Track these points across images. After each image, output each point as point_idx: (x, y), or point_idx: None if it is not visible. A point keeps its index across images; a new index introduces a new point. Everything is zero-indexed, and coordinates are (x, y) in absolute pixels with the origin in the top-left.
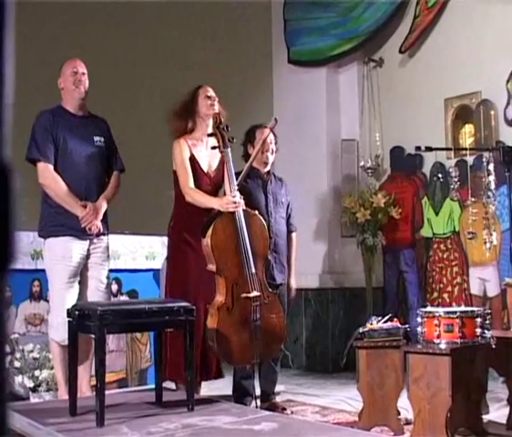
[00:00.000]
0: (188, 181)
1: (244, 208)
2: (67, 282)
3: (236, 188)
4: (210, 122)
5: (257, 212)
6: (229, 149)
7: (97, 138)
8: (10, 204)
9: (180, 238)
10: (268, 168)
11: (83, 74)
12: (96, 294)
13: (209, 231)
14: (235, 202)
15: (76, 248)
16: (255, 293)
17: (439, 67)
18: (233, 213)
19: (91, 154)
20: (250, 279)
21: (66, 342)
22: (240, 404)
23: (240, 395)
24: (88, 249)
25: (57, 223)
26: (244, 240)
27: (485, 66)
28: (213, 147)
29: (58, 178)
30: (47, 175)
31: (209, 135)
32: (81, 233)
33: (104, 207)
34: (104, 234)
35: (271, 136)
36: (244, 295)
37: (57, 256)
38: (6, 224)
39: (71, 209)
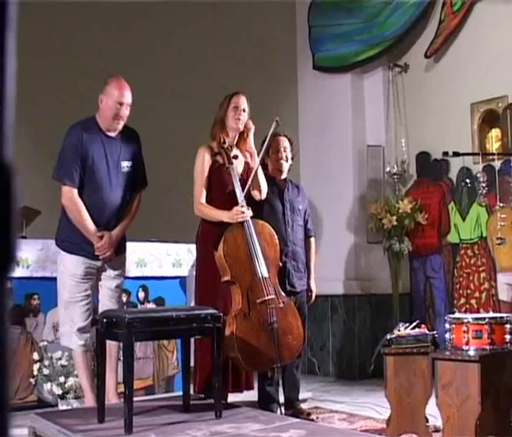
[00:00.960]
0: (200, 196)
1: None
2: (76, 296)
3: (243, 199)
4: (235, 135)
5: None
6: (233, 165)
7: (124, 164)
8: (11, 206)
9: (209, 246)
10: (284, 176)
11: (127, 106)
12: (109, 302)
13: (221, 243)
14: (243, 212)
15: (88, 268)
16: (270, 296)
17: (465, 72)
18: (242, 223)
19: (117, 181)
20: (264, 284)
21: (84, 348)
22: (266, 411)
23: (266, 402)
24: (101, 267)
25: (73, 241)
26: (255, 246)
27: (511, 69)
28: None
29: (81, 205)
30: (71, 199)
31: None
32: (93, 255)
33: (119, 235)
34: (119, 254)
35: (286, 143)
36: (259, 300)
37: (69, 271)
38: (8, 226)
39: (88, 236)
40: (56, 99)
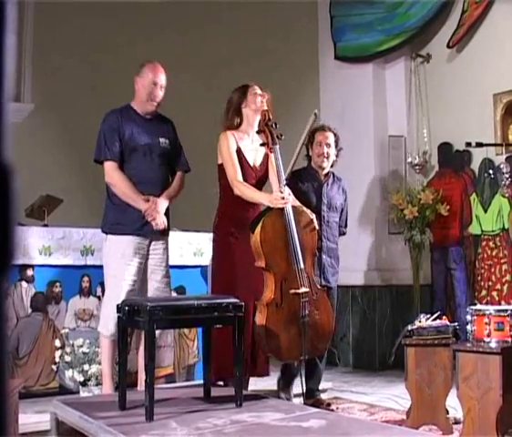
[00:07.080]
0: (236, 174)
1: (293, 204)
2: (125, 280)
3: (285, 184)
4: (257, 118)
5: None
6: (277, 146)
7: (162, 140)
8: (10, 203)
9: (226, 233)
10: (326, 171)
11: (161, 87)
12: (154, 294)
13: (259, 227)
14: (284, 198)
15: (137, 248)
16: (304, 289)
17: (487, 62)
18: (282, 209)
19: (156, 156)
20: (299, 275)
21: (114, 337)
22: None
23: (283, 391)
24: (148, 250)
25: (119, 221)
26: (293, 236)
27: None
28: (262, 144)
29: (124, 176)
30: (114, 174)
31: (258, 132)
32: (142, 231)
33: (165, 203)
34: (165, 234)
35: (331, 139)
36: (293, 291)
37: (117, 254)
38: (7, 223)
39: (135, 204)
40: (80, 92)
